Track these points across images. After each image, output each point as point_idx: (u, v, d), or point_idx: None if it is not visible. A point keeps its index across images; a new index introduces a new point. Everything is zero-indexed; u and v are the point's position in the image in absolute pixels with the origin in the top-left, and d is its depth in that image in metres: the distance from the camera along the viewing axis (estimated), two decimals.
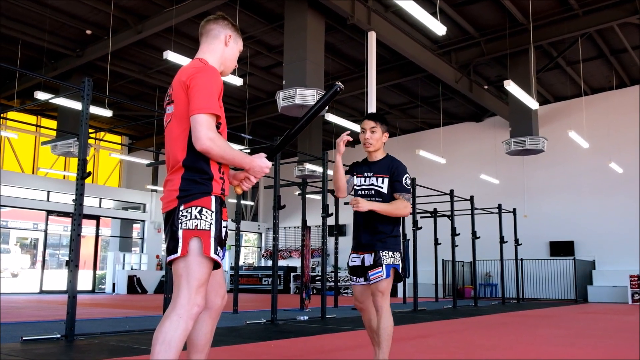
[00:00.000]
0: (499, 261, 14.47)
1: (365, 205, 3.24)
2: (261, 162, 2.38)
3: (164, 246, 2.38)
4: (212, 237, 2.21)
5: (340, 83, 2.55)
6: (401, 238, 3.48)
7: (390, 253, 3.34)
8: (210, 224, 2.22)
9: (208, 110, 2.19)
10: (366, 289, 3.40)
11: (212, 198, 2.25)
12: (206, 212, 2.22)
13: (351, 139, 3.33)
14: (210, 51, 2.45)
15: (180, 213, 2.21)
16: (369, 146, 3.46)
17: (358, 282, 3.45)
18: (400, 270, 3.38)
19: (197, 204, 2.21)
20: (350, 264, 3.49)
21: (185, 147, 2.26)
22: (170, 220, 2.24)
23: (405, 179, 3.37)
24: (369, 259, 3.36)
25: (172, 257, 2.19)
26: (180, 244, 2.18)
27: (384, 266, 3.29)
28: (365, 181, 3.46)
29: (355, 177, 3.53)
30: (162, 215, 2.37)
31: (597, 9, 12.10)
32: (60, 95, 10.40)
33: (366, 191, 3.44)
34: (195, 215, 2.20)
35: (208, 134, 2.17)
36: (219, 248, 2.24)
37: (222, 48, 2.47)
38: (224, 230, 2.29)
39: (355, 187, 3.50)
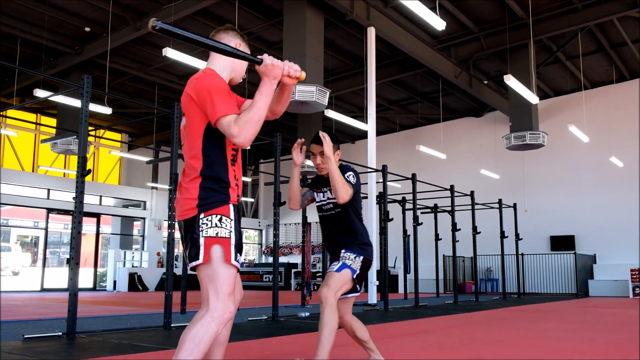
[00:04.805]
0: (500, 256, 14.47)
1: (328, 148, 3.25)
2: (265, 70, 2.24)
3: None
4: (232, 245, 2.29)
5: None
6: (370, 248, 3.41)
7: (353, 256, 3.30)
8: (230, 231, 2.30)
9: (222, 113, 2.22)
10: (342, 303, 3.36)
11: (231, 207, 2.34)
12: (226, 220, 2.30)
13: (302, 141, 3.34)
14: (220, 58, 2.47)
15: (201, 221, 2.27)
16: (322, 170, 3.44)
17: None
18: (354, 277, 3.27)
19: (217, 212, 2.29)
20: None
21: (201, 157, 2.32)
22: (191, 228, 2.29)
23: (348, 176, 3.34)
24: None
25: (195, 263, 2.27)
26: (202, 251, 2.25)
27: (340, 263, 3.27)
28: (323, 196, 3.47)
29: (315, 192, 3.54)
30: (177, 222, 2.43)
31: (596, 2, 12.06)
32: (59, 92, 10.39)
33: (325, 205, 3.46)
34: (216, 224, 2.27)
35: (232, 132, 2.19)
36: (238, 254, 2.33)
37: None
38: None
39: (317, 203, 3.52)
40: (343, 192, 3.23)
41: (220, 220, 2.28)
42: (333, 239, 3.43)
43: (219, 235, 2.27)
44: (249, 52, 2.51)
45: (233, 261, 2.28)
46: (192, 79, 2.38)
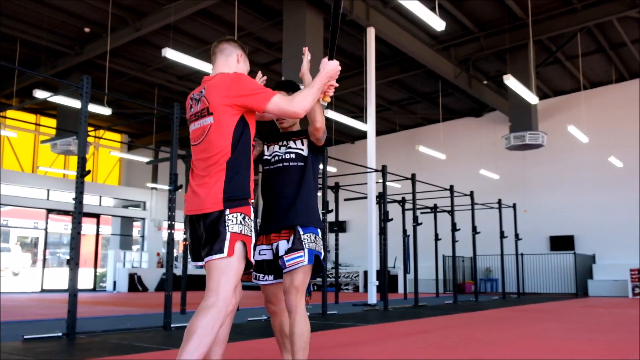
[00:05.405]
0: (500, 256, 14.48)
1: (306, 63, 2.90)
2: (332, 68, 2.74)
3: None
4: (252, 243, 2.47)
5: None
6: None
7: (313, 236, 2.73)
8: (251, 230, 2.46)
9: (273, 93, 2.52)
10: (279, 288, 2.83)
11: (251, 207, 2.50)
12: (248, 219, 2.46)
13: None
14: (227, 66, 2.69)
15: (227, 217, 2.40)
16: (284, 122, 2.94)
17: (266, 280, 2.85)
18: (322, 260, 2.79)
19: (241, 210, 2.44)
20: (258, 257, 2.81)
21: (229, 152, 2.46)
22: (215, 222, 2.40)
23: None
24: (285, 245, 2.74)
25: (218, 256, 2.37)
26: (227, 245, 2.37)
27: (305, 250, 2.68)
28: (280, 149, 2.89)
29: (266, 146, 2.96)
30: (191, 217, 2.51)
31: (596, 3, 12.07)
32: (59, 93, 10.38)
33: (282, 156, 2.86)
34: (240, 221, 2.42)
35: (293, 101, 2.53)
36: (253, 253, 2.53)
37: (235, 64, 2.72)
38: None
39: (266, 156, 2.92)
40: (320, 120, 2.76)
41: (244, 218, 2.43)
42: (282, 199, 2.80)
43: (243, 233, 2.41)
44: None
45: (252, 258, 2.45)
46: (220, 83, 2.52)
